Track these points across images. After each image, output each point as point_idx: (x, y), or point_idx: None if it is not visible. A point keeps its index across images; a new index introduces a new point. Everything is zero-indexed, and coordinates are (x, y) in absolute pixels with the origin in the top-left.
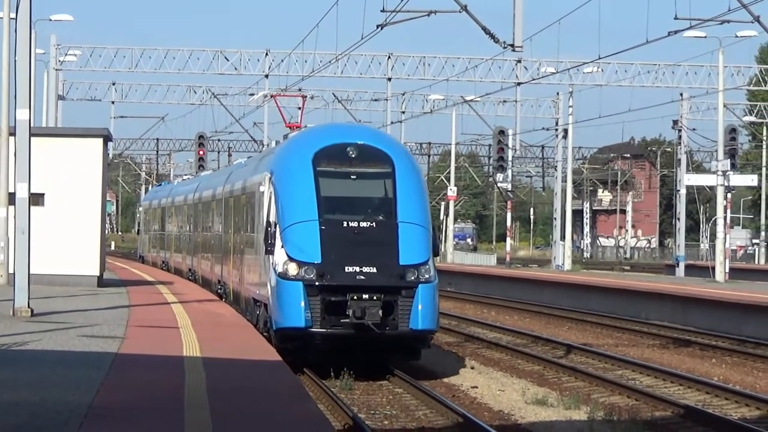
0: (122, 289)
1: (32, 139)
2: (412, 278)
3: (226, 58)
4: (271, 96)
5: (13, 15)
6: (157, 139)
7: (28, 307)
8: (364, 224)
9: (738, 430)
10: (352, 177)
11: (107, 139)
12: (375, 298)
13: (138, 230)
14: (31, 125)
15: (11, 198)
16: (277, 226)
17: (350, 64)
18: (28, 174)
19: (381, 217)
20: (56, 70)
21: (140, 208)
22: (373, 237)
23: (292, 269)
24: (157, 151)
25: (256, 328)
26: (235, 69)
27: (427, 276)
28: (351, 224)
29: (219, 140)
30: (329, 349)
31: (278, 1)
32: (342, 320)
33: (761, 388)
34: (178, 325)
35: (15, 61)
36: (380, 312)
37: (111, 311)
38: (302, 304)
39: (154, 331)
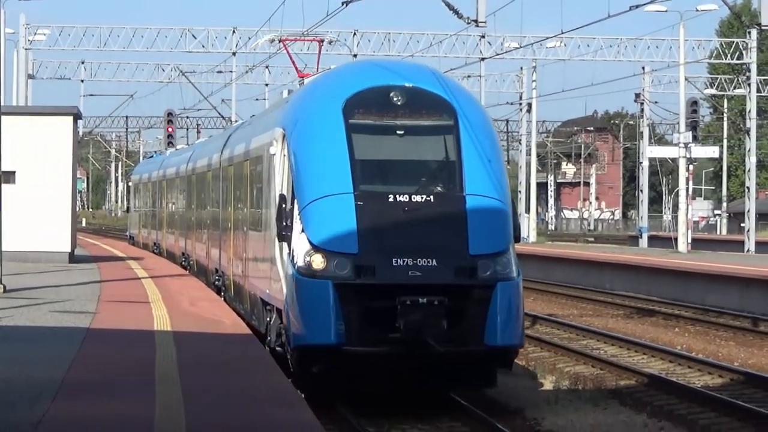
0: (93, 265)
1: (2, 117)
2: (488, 273)
3: (193, 35)
4: (280, 40)
5: None
6: (127, 117)
7: (0, 283)
8: (417, 198)
9: (701, 397)
10: (398, 132)
11: (77, 117)
12: (437, 302)
13: (127, 208)
14: (1, 104)
15: None
16: (295, 201)
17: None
18: None
19: (441, 189)
20: (26, 49)
21: (129, 184)
22: (431, 216)
23: (318, 263)
24: (127, 129)
25: (265, 343)
26: (203, 47)
27: (507, 270)
28: (400, 198)
29: (188, 117)
30: (369, 373)
31: None
32: (390, 335)
33: (723, 356)
34: (149, 299)
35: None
36: (444, 322)
37: (82, 287)
38: (332, 312)
39: (125, 306)
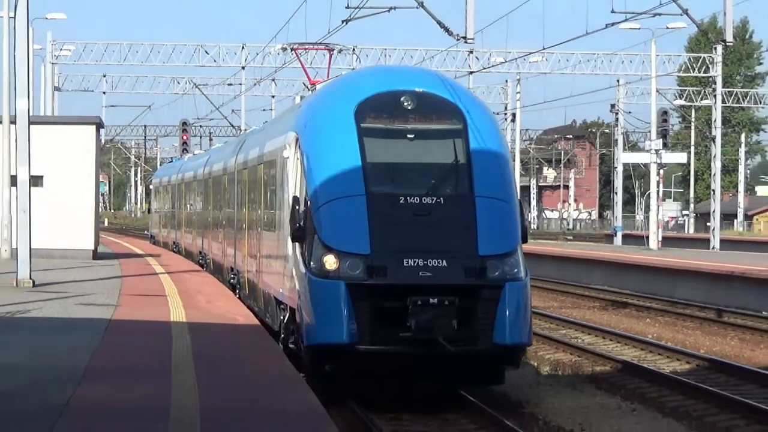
0: (115, 262)
1: (31, 126)
2: (497, 274)
3: (206, 51)
4: (292, 48)
5: (12, 14)
6: (145, 126)
7: (30, 278)
8: (428, 200)
9: (670, 381)
10: (409, 136)
11: (99, 126)
12: (447, 302)
13: (148, 209)
14: (30, 114)
15: (13, 180)
16: (308, 203)
17: (318, 56)
18: (27, 158)
19: (451, 190)
20: (52, 63)
21: (150, 186)
22: (441, 218)
23: (331, 263)
24: (145, 137)
25: (279, 341)
26: (215, 61)
27: (515, 270)
28: (410, 200)
29: (201, 126)
30: (381, 372)
31: None
32: (401, 334)
33: (690, 345)
34: (166, 294)
35: (14, 56)
36: (454, 322)
37: (105, 282)
38: (345, 312)
39: (144, 299)
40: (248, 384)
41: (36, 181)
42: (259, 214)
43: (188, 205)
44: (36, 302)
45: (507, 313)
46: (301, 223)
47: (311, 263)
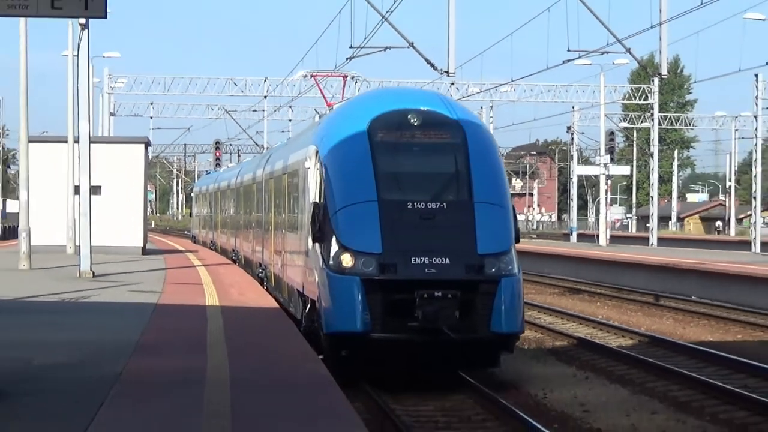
0: (160, 257)
1: (91, 145)
2: (493, 270)
3: (234, 83)
4: (312, 75)
5: (76, 53)
6: (185, 145)
7: (90, 270)
8: (433, 205)
9: (616, 354)
10: (415, 149)
11: (147, 144)
12: (450, 295)
13: (190, 213)
14: (90, 135)
15: (76, 189)
16: (327, 208)
17: (327, 87)
18: (88, 171)
19: (453, 197)
20: (108, 94)
21: (191, 194)
22: (444, 221)
23: (347, 261)
24: (185, 154)
25: (300, 328)
26: (242, 92)
27: (510, 267)
28: (417, 205)
29: (231, 145)
30: (391, 357)
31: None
32: (409, 324)
33: (633, 324)
34: (202, 283)
35: (78, 88)
36: (456, 313)
37: (152, 273)
38: (359, 304)
39: (184, 287)
40: (270, 357)
41: (95, 190)
42: (283, 217)
43: (223, 210)
44: (95, 290)
45: (503, 304)
46: (321, 226)
47: (330, 261)
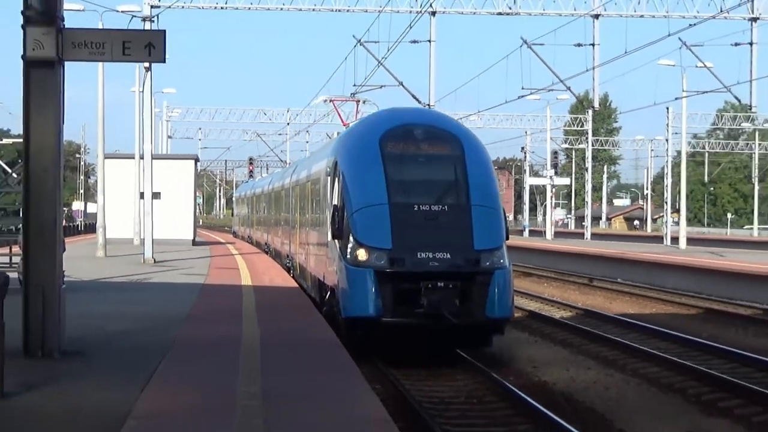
0: (206, 247)
1: (153, 161)
2: (488, 264)
3: (264, 113)
4: (330, 100)
5: (141, 89)
6: (225, 160)
7: (152, 257)
8: (435, 208)
9: (559, 324)
10: (420, 159)
11: (196, 160)
12: (451, 285)
13: (232, 213)
14: (152, 153)
15: (142, 195)
16: (345, 210)
17: (335, 119)
18: (150, 181)
19: (453, 201)
20: (167, 121)
21: (233, 198)
22: (445, 221)
23: (362, 255)
24: (225, 167)
25: (321, 311)
26: (270, 119)
27: (502, 261)
28: (422, 208)
29: (261, 161)
30: (399, 337)
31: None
32: (416, 310)
33: (572, 300)
34: (239, 268)
35: (142, 116)
36: (456, 300)
37: (200, 260)
38: (372, 292)
39: (224, 271)
40: (291, 325)
41: (156, 195)
42: (306, 217)
43: (258, 211)
44: (156, 273)
45: (496, 293)
46: (340, 225)
47: (347, 255)
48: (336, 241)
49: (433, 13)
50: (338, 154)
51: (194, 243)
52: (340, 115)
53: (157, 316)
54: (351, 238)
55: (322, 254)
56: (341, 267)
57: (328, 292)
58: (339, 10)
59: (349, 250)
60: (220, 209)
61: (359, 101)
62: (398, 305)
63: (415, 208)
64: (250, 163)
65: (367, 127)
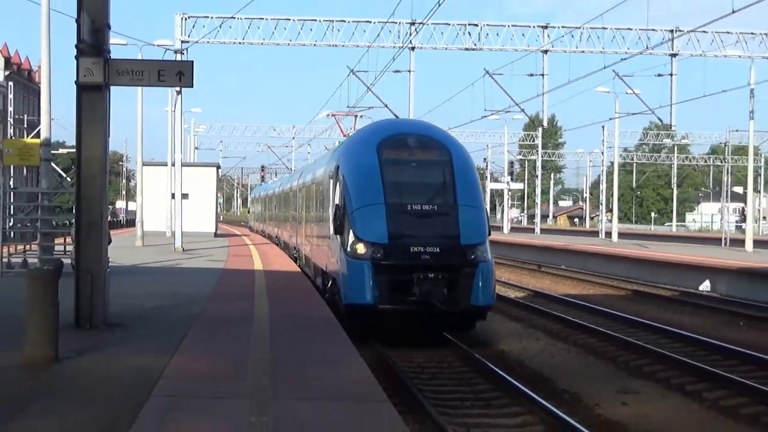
0: (226, 239)
1: (183, 168)
2: (473, 257)
3: (273, 128)
4: (333, 114)
5: (173, 109)
6: (242, 168)
7: (182, 247)
8: (426, 207)
9: (513, 302)
10: (413, 164)
11: (218, 167)
12: (440, 277)
13: (248, 211)
14: (182, 161)
15: (173, 195)
16: (346, 208)
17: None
18: (180, 184)
19: (442, 201)
20: (194, 135)
21: (249, 198)
22: (435, 219)
23: (361, 249)
24: (241, 173)
25: (324, 298)
26: (278, 134)
27: (485, 255)
28: (414, 207)
29: (271, 168)
30: (395, 322)
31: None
32: (408, 298)
33: (524, 283)
34: (252, 256)
35: (174, 131)
36: (445, 290)
37: (220, 249)
38: (370, 282)
39: (240, 258)
40: (296, 305)
41: (185, 196)
42: (311, 215)
43: (269, 209)
44: (185, 259)
45: (480, 283)
46: (341, 222)
47: (348, 249)
48: (337, 236)
49: (413, 48)
50: (340, 160)
51: (216, 235)
52: (340, 127)
53: (185, 295)
54: (351, 234)
55: (324, 247)
56: (342, 259)
57: (330, 281)
58: (335, 45)
59: (349, 245)
60: (237, 207)
61: (357, 115)
62: (393, 294)
63: (409, 208)
64: (262, 170)
65: (365, 135)
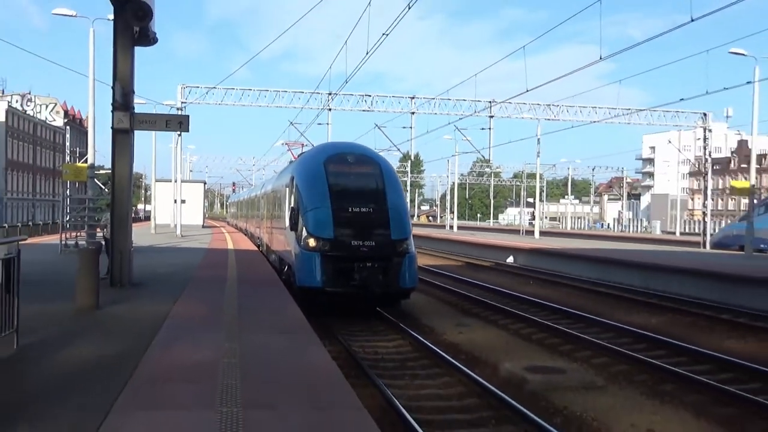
0: (210, 229)
1: (182, 183)
2: (401, 249)
3: (241, 158)
4: (286, 143)
5: (174, 145)
6: (220, 184)
7: (181, 234)
8: (363, 209)
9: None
10: (352, 176)
11: (204, 183)
12: (375, 266)
13: (226, 211)
14: (181, 179)
15: (175, 201)
16: (300, 210)
17: (284, 159)
18: (180, 193)
19: (375, 205)
20: (189, 162)
21: (227, 203)
22: (371, 219)
23: (312, 242)
24: (220, 187)
25: (281, 279)
26: (244, 162)
27: (410, 248)
28: (354, 209)
29: (240, 183)
30: (338, 301)
31: (261, 136)
32: (350, 282)
33: (482, 280)
34: (227, 240)
35: (176, 161)
36: (380, 276)
37: (207, 235)
38: (319, 269)
39: (219, 241)
40: (254, 272)
41: (183, 201)
42: (271, 214)
43: (241, 210)
44: (183, 242)
45: (406, 271)
46: (296, 221)
47: (301, 242)
48: (293, 231)
49: (330, 109)
50: (294, 172)
51: (203, 227)
52: (292, 153)
53: (182, 265)
54: (304, 230)
55: (282, 238)
56: (297, 250)
57: (287, 266)
58: (281, 106)
59: (303, 239)
60: (217, 209)
61: (303, 144)
62: (337, 278)
63: (349, 210)
64: (233, 185)
65: (315, 153)
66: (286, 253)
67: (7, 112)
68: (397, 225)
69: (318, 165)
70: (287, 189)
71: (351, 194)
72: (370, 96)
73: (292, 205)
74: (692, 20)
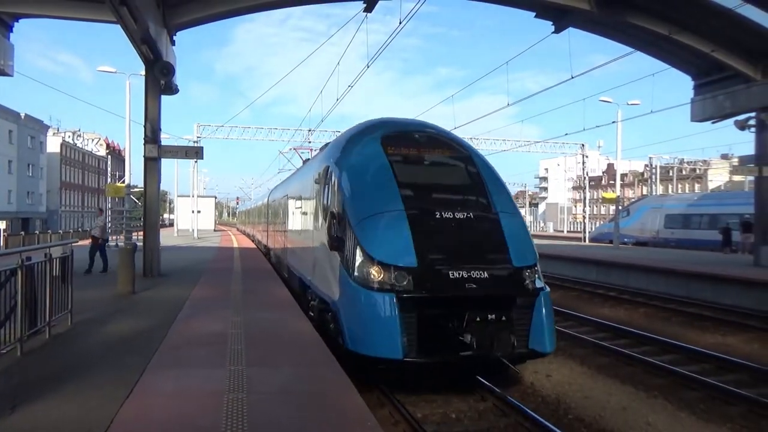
0: (219, 233)
1: (198, 198)
2: (529, 283)
3: (242, 178)
4: (294, 149)
5: (193, 169)
6: (227, 198)
7: (197, 236)
8: (459, 215)
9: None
10: (426, 162)
11: (215, 198)
12: (494, 314)
13: (236, 219)
14: (197, 194)
15: (193, 211)
16: (348, 218)
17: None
18: (197, 205)
19: (476, 210)
20: (204, 181)
21: (236, 212)
22: (474, 232)
23: (376, 274)
24: (227, 200)
25: (306, 313)
26: (244, 181)
27: (542, 281)
28: (445, 215)
29: (242, 198)
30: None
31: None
32: (454, 345)
33: None
34: (233, 240)
35: (195, 182)
36: (505, 331)
37: (217, 237)
38: (398, 327)
39: (227, 242)
40: (255, 264)
41: (199, 211)
42: (276, 221)
43: (248, 218)
44: (199, 242)
45: (544, 321)
46: (339, 235)
47: (355, 272)
48: (335, 252)
49: (310, 142)
50: (331, 160)
51: (214, 230)
52: (300, 156)
53: (198, 260)
54: (359, 254)
55: (307, 255)
56: (346, 288)
57: (321, 304)
58: (273, 140)
59: (357, 267)
60: (225, 218)
61: (311, 149)
62: (430, 339)
63: (438, 216)
64: (237, 200)
65: (364, 129)
66: (320, 280)
67: (61, 145)
68: (517, 242)
69: (375, 146)
70: (317, 186)
71: (433, 193)
72: (339, 131)
73: (332, 208)
74: (572, 77)
